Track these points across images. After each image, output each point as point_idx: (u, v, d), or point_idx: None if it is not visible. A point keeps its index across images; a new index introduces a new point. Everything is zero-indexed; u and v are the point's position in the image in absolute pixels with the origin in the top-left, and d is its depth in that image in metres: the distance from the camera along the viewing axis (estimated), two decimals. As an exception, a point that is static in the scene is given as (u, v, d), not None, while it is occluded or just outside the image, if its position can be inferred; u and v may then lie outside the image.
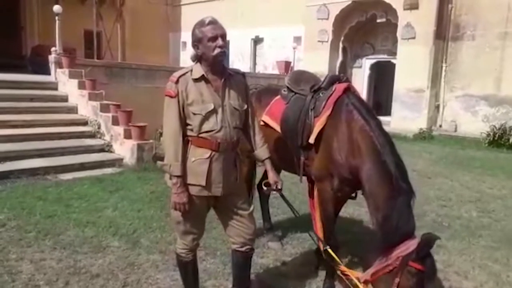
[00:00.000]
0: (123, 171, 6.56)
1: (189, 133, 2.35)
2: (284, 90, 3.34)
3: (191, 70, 2.35)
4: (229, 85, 2.41)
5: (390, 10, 12.40)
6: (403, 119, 12.18)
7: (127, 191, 5.44)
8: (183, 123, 2.33)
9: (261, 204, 4.21)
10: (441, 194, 6.07)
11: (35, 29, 15.48)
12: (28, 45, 15.02)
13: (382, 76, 14.32)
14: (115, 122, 7.45)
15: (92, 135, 7.65)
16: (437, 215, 5.07)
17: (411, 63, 11.89)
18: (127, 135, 7.14)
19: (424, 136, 11.50)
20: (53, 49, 8.93)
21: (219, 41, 2.27)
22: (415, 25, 11.75)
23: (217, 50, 2.27)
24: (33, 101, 7.96)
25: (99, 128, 7.71)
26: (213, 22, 2.31)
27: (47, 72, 9.13)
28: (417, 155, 9.14)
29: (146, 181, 5.87)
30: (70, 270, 3.24)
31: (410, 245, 2.23)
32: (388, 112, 13.15)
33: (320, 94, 2.95)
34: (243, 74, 2.57)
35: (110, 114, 7.57)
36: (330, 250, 2.70)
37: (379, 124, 2.66)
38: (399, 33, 12.18)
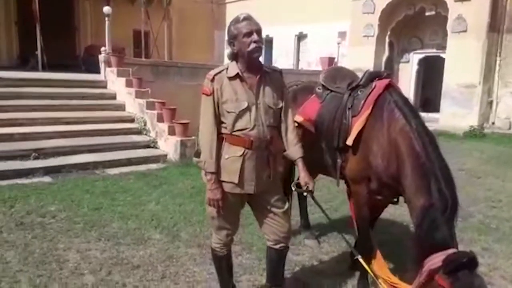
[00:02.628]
0: (167, 167, 6.76)
1: (223, 130, 2.39)
2: (319, 88, 3.20)
3: (227, 68, 2.38)
4: (265, 83, 2.41)
5: (440, 2, 11.89)
6: (452, 116, 11.66)
7: (169, 186, 5.61)
8: (218, 121, 2.37)
9: (299, 202, 4.20)
10: (490, 195, 5.77)
11: (88, 30, 16.28)
12: (81, 45, 15.85)
13: (431, 71, 13.78)
14: (160, 119, 7.69)
15: (138, 132, 7.94)
16: (484, 216, 4.83)
17: (462, 57, 11.33)
18: (171, 132, 7.35)
19: (475, 134, 10.94)
20: (102, 49, 9.33)
21: (254, 36, 2.28)
22: (467, 17, 11.18)
23: (252, 45, 2.28)
24: (84, 99, 8.38)
25: (145, 125, 7.99)
26: (248, 18, 2.33)
27: (98, 71, 9.56)
28: (467, 154, 8.73)
29: (188, 176, 6.02)
30: (113, 261, 3.40)
31: (440, 258, 2.03)
32: (437, 109, 12.65)
33: (359, 92, 2.80)
34: (280, 72, 2.56)
35: (155, 112, 7.82)
36: (361, 260, 2.55)
37: (422, 124, 2.49)
38: (449, 26, 11.64)
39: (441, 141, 8.99)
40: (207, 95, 2.34)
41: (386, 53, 13.99)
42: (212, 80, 2.33)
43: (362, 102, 2.71)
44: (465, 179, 6.59)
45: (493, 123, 11.75)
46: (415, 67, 13.99)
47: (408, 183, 2.39)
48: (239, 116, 2.33)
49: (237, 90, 2.34)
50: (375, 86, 2.69)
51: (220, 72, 2.36)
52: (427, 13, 12.64)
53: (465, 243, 3.98)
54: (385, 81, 2.69)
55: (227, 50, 2.45)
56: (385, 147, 2.56)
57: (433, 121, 12.27)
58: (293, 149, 2.54)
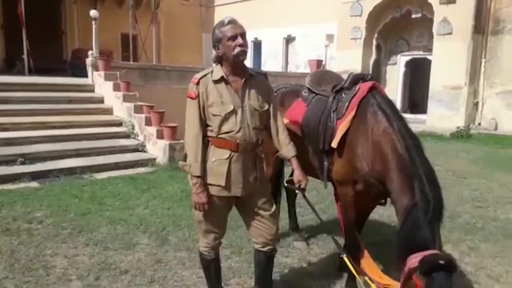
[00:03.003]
0: (156, 170, 6.74)
1: (209, 133, 2.39)
2: (304, 92, 3.22)
3: (212, 72, 2.39)
4: (250, 86, 2.42)
5: (425, 5, 12.04)
6: (439, 117, 11.80)
7: (158, 190, 5.59)
8: (204, 124, 2.38)
9: (288, 204, 4.21)
10: (477, 195, 5.85)
11: (75, 33, 16.13)
12: (68, 49, 15.71)
13: (418, 73, 13.92)
14: (148, 122, 7.66)
15: (126, 136, 7.89)
16: (471, 216, 4.90)
17: (448, 59, 11.48)
18: (160, 135, 7.33)
19: (461, 135, 11.09)
20: (90, 52, 9.27)
21: (239, 40, 2.29)
22: (452, 20, 11.34)
23: (237, 49, 2.29)
24: (71, 103, 8.32)
25: (133, 128, 7.95)
26: (232, 21, 2.34)
27: (85, 74, 9.49)
28: (454, 155, 8.85)
29: (177, 180, 6.00)
30: (101, 266, 3.37)
31: (418, 259, 2.03)
32: (424, 110, 12.79)
33: (343, 95, 2.82)
34: (265, 74, 2.58)
35: (143, 115, 7.79)
36: (346, 259, 2.56)
37: (405, 125, 2.50)
38: (435, 29, 11.80)
39: (428, 142, 9.11)
40: (192, 98, 2.35)
41: (374, 56, 14.11)
42: (197, 83, 2.34)
43: (346, 104, 2.72)
44: (452, 180, 6.68)
45: (479, 124, 11.92)
46: (402, 69, 14.13)
47: (393, 185, 2.40)
48: (225, 119, 2.34)
49: (223, 93, 2.35)
50: (359, 89, 2.71)
51: (205, 75, 2.37)
52: (413, 16, 12.79)
53: (452, 242, 4.04)
54: (368, 84, 2.71)
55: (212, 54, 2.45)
56: (369, 149, 2.58)
57: (421, 122, 12.41)
58: (286, 149, 2.57)
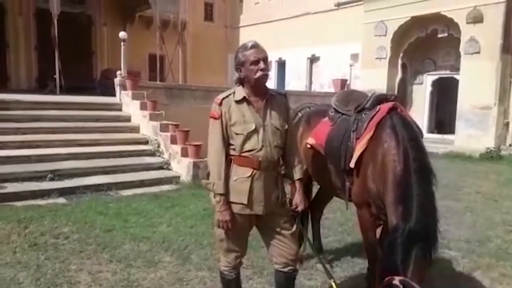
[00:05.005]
0: (179, 188, 6.80)
1: (232, 152, 2.42)
2: (331, 111, 3.23)
3: (234, 93, 2.43)
4: (271, 106, 2.46)
5: (452, 24, 11.90)
6: (468, 137, 11.50)
7: (181, 208, 5.63)
8: (227, 143, 2.41)
9: (312, 225, 4.15)
10: (508, 219, 5.62)
11: (104, 54, 16.73)
12: (98, 69, 16.27)
13: (445, 92, 13.69)
14: (173, 141, 7.78)
15: (152, 154, 8.02)
16: (502, 241, 4.70)
17: (476, 78, 11.26)
18: (184, 154, 7.42)
19: (491, 156, 10.74)
20: (118, 72, 9.55)
21: (261, 64, 2.35)
22: (480, 39, 11.16)
23: (259, 73, 2.35)
24: (99, 121, 8.55)
25: (158, 146, 8.08)
26: (255, 46, 2.39)
27: (113, 94, 9.76)
28: (483, 176, 8.58)
29: (200, 198, 6.03)
30: (123, 283, 3.39)
31: (386, 282, 2.00)
32: (452, 130, 12.50)
33: (363, 115, 2.81)
34: (285, 95, 2.62)
35: (169, 134, 7.92)
36: (333, 285, 2.48)
37: (416, 147, 2.44)
38: (462, 48, 11.63)
39: (456, 163, 8.89)
40: (215, 118, 2.39)
41: (399, 75, 13.98)
42: (220, 104, 2.39)
43: (365, 125, 2.71)
44: (482, 203, 6.47)
45: (510, 145, 11.54)
46: (428, 88, 13.93)
47: (388, 207, 2.38)
48: (247, 137, 2.38)
49: (245, 113, 2.39)
50: (379, 109, 2.70)
51: (227, 96, 2.42)
52: (439, 35, 12.66)
53: (482, 268, 3.89)
54: (389, 105, 2.69)
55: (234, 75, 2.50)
56: (377, 171, 2.56)
57: (448, 142, 12.14)
58: (293, 170, 2.58)
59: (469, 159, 10.62)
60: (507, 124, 11.56)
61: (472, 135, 11.43)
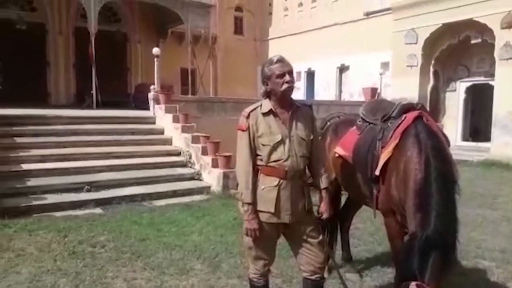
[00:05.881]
0: (210, 198, 6.93)
1: (259, 162, 2.51)
2: (359, 121, 3.28)
3: (261, 105, 2.53)
4: (296, 117, 2.54)
5: (485, 30, 11.64)
6: (504, 145, 11.13)
7: (212, 217, 5.74)
8: (254, 154, 2.51)
9: (341, 234, 4.16)
10: (547, 229, 5.43)
11: (139, 69, 17.30)
12: (132, 84, 16.80)
13: (480, 99, 13.33)
14: (204, 152, 7.95)
15: (183, 165, 8.22)
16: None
17: (511, 84, 10.93)
18: (215, 164, 7.57)
19: (529, 164, 10.37)
20: (152, 87, 9.88)
21: (287, 77, 2.45)
22: (515, 44, 10.87)
23: (285, 86, 2.45)
24: (134, 134, 8.85)
25: (190, 158, 8.27)
26: (281, 60, 2.49)
27: (147, 107, 10.09)
28: (522, 185, 8.28)
29: (230, 207, 6.13)
30: (157, 290, 3.52)
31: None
32: (487, 138, 12.13)
33: (389, 124, 2.83)
34: (310, 106, 2.69)
35: (200, 145, 8.11)
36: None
37: (438, 156, 2.44)
38: (496, 54, 11.34)
39: (493, 171, 8.66)
40: (242, 130, 2.50)
41: (431, 83, 13.76)
42: (248, 116, 2.49)
43: (391, 133, 2.74)
44: (521, 213, 6.26)
45: (549, 152, 11.09)
46: (462, 95, 13.61)
47: (407, 215, 2.40)
48: (274, 148, 2.46)
49: (271, 125, 2.47)
50: (404, 118, 2.72)
51: (254, 109, 2.52)
52: (472, 41, 12.40)
53: (518, 279, 3.78)
54: (415, 113, 2.71)
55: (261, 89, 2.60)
56: (400, 179, 2.58)
57: (484, 150, 11.80)
58: (319, 180, 2.64)
59: (505, 167, 10.26)
60: (546, 131, 11.12)
61: (508, 142, 11.05)
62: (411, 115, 2.70)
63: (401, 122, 2.71)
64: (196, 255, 4.32)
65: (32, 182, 6.47)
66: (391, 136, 2.71)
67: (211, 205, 6.46)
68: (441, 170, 2.40)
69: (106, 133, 8.56)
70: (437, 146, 2.51)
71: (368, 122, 3.19)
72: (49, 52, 15.63)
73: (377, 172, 2.74)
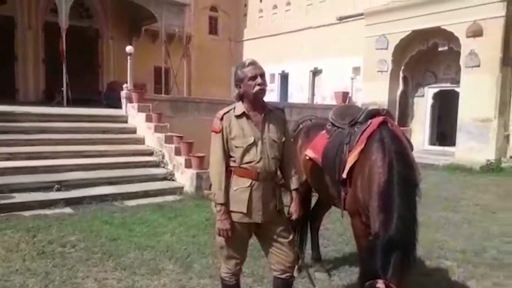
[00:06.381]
0: (183, 199, 6.95)
1: (232, 164, 2.58)
2: (328, 125, 3.38)
3: (234, 108, 2.60)
4: (269, 120, 2.62)
5: (452, 38, 12.08)
6: (469, 150, 11.59)
7: (184, 218, 5.76)
8: (227, 156, 2.57)
9: (311, 234, 4.27)
10: (506, 230, 5.69)
11: (111, 67, 17.04)
12: (104, 82, 16.55)
13: (447, 105, 13.82)
14: (178, 152, 7.94)
15: (156, 165, 8.19)
16: (498, 251, 4.78)
17: (476, 91, 11.40)
18: (188, 165, 7.58)
19: (492, 168, 10.82)
20: (124, 85, 9.77)
21: (259, 79, 2.52)
22: (480, 52, 11.32)
23: (256, 88, 2.52)
24: (105, 133, 8.74)
25: (163, 158, 8.25)
26: (253, 63, 2.56)
27: (119, 106, 9.98)
28: (483, 189, 8.65)
29: (203, 208, 6.16)
30: (128, 290, 3.53)
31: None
32: (453, 143, 12.58)
33: (355, 128, 2.95)
34: (283, 109, 2.78)
35: (173, 145, 8.10)
36: None
37: (401, 160, 2.56)
38: (462, 61, 11.79)
39: (457, 175, 8.97)
40: (216, 132, 2.56)
41: (401, 88, 14.13)
42: (221, 119, 2.56)
43: (357, 137, 2.85)
44: (481, 214, 6.56)
45: (510, 157, 11.61)
46: (430, 101, 14.06)
47: (371, 216, 2.52)
48: (246, 150, 2.53)
49: (244, 127, 2.54)
50: (370, 123, 2.84)
51: (228, 111, 2.58)
52: (440, 49, 12.84)
53: (476, 278, 3.99)
54: (380, 119, 2.83)
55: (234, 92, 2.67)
56: (365, 182, 2.69)
57: (450, 154, 12.24)
58: (290, 181, 2.74)
59: (469, 171, 10.70)
60: (507, 137, 11.66)
61: (473, 147, 11.52)
62: (377, 121, 2.82)
63: (367, 127, 2.82)
64: (168, 255, 4.34)
65: (0, 180, 6.31)
66: (358, 140, 2.82)
67: (183, 205, 6.47)
68: (403, 174, 2.52)
69: (76, 132, 8.43)
70: (400, 150, 2.63)
71: (336, 126, 3.30)
72: (17, 47, 15.19)
73: (344, 175, 2.84)
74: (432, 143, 14.09)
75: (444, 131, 14.34)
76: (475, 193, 8.12)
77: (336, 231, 5.33)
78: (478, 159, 11.08)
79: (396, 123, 3.03)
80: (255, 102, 2.57)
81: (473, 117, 11.59)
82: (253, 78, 2.51)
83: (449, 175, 10.35)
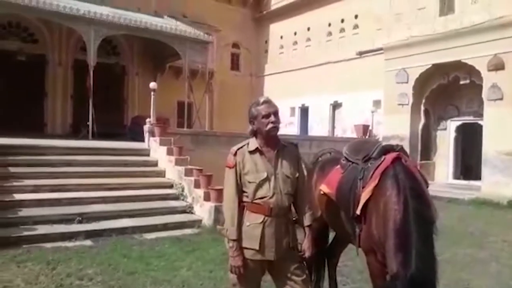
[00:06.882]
0: (201, 232, 6.94)
1: (245, 199, 2.60)
2: (343, 160, 3.35)
3: (248, 144, 2.64)
4: (282, 155, 2.64)
5: (473, 72, 12.02)
6: (495, 184, 11.26)
7: (202, 252, 5.75)
8: (240, 191, 2.59)
9: (328, 271, 4.18)
10: (535, 269, 5.47)
11: (136, 102, 17.54)
12: (129, 116, 17.00)
13: (470, 138, 13.59)
14: (197, 185, 8.01)
15: (176, 197, 8.26)
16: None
17: (499, 124, 11.22)
18: (207, 198, 7.62)
19: (520, 203, 10.47)
20: (147, 120, 10.04)
21: (272, 118, 2.57)
22: (502, 85, 11.20)
23: (270, 126, 2.56)
24: (128, 166, 8.92)
25: (182, 190, 8.32)
26: (267, 101, 2.63)
27: (143, 139, 10.21)
28: (511, 224, 8.35)
29: (220, 242, 6.09)
30: (143, 325, 3.51)
31: None
32: (478, 176, 12.28)
33: (369, 164, 2.92)
34: (296, 145, 2.80)
35: (193, 178, 8.18)
36: None
37: (415, 197, 2.52)
38: (484, 95, 11.67)
39: (483, 210, 8.72)
40: (230, 167, 2.60)
41: (422, 121, 14.02)
42: (235, 154, 2.60)
43: (371, 173, 2.82)
44: (509, 251, 6.32)
45: (539, 192, 11.22)
46: (453, 134, 13.87)
47: (387, 254, 2.46)
48: (259, 185, 2.55)
49: (257, 162, 2.58)
50: (384, 159, 2.82)
51: (241, 147, 2.63)
52: (461, 82, 12.77)
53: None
54: (393, 155, 2.80)
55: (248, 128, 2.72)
56: (380, 219, 2.64)
57: (475, 189, 11.91)
58: (304, 217, 2.72)
59: (496, 206, 10.36)
60: (535, 171, 11.30)
61: (499, 181, 11.19)
62: (390, 157, 2.79)
63: (381, 163, 2.79)
64: (184, 290, 4.32)
65: (24, 212, 6.49)
66: (371, 176, 2.79)
67: (201, 239, 6.46)
68: (420, 211, 2.47)
69: (100, 164, 8.62)
70: (415, 187, 2.60)
71: (351, 161, 3.26)
72: (47, 83, 15.89)
73: (358, 211, 2.81)
74: (456, 177, 13.77)
75: (468, 164, 14.02)
76: (503, 229, 7.83)
77: (356, 268, 5.18)
78: (505, 193, 10.74)
79: (411, 158, 3.00)
80: (268, 138, 2.61)
81: (497, 150, 11.33)
82: (267, 116, 2.56)
83: (475, 210, 10.04)
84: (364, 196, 2.75)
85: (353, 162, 3.23)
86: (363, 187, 2.83)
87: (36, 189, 7.23)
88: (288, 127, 18.85)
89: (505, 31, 11.11)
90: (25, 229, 6.04)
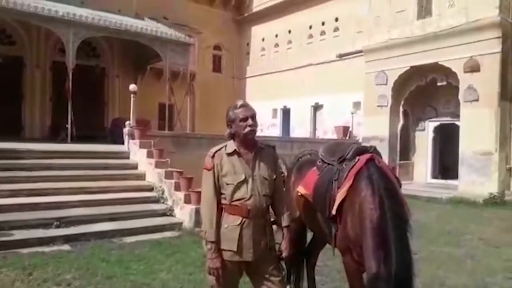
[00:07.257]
0: (181, 235, 6.90)
1: (223, 201, 2.61)
2: (319, 161, 3.40)
3: (226, 146, 2.66)
4: (260, 158, 2.68)
5: (450, 74, 12.30)
6: (471, 183, 11.55)
7: (182, 254, 5.72)
8: (218, 193, 2.61)
9: (307, 271, 4.23)
10: (509, 266, 5.61)
11: (116, 104, 17.37)
12: (109, 118, 16.80)
13: (448, 138, 13.89)
14: (177, 188, 7.97)
15: (156, 200, 8.20)
16: (500, 288, 4.72)
17: (476, 125, 11.51)
18: (187, 200, 7.59)
19: (495, 202, 10.73)
20: (127, 122, 9.94)
21: (249, 121, 2.60)
22: (478, 87, 11.50)
23: (247, 129, 2.60)
24: (107, 169, 8.81)
25: (163, 193, 8.26)
26: (244, 105, 2.66)
27: (123, 142, 10.09)
28: (486, 222, 8.57)
29: (200, 245, 5.98)
30: (121, 329, 3.48)
31: None
32: (456, 176, 12.56)
33: (344, 165, 2.97)
34: (274, 147, 2.83)
35: (173, 181, 8.13)
36: None
37: (391, 196, 2.59)
38: (461, 96, 11.96)
39: (460, 209, 8.91)
40: (208, 169, 2.61)
41: (401, 122, 14.28)
42: (213, 156, 2.62)
43: (345, 174, 2.87)
44: (484, 249, 6.47)
45: (514, 190, 11.56)
46: (431, 134, 14.18)
47: (365, 253, 2.50)
48: (237, 187, 2.57)
49: (235, 164, 2.60)
50: (358, 160, 2.87)
51: (219, 149, 2.65)
52: (438, 84, 13.05)
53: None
54: (367, 156, 2.87)
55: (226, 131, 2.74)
56: (355, 219, 2.69)
57: (453, 188, 12.18)
58: (281, 218, 2.75)
59: (473, 204, 10.61)
60: (510, 170, 11.63)
61: (475, 180, 11.48)
62: (364, 158, 2.85)
63: (355, 164, 2.85)
64: (163, 293, 4.30)
65: (0, 217, 6.34)
66: (346, 177, 2.84)
67: (182, 242, 6.43)
68: (395, 210, 2.54)
69: (79, 168, 8.50)
70: (389, 187, 2.66)
71: (326, 163, 3.31)
72: (25, 85, 15.59)
73: (333, 212, 2.85)
74: (434, 176, 14.06)
75: (446, 164, 14.31)
76: (479, 227, 8.03)
77: (335, 268, 5.22)
78: (481, 192, 11.02)
79: (391, 159, 3.07)
80: (246, 141, 2.64)
81: (474, 150, 11.62)
82: (244, 119, 2.59)
83: (452, 209, 10.27)
84: (339, 197, 2.79)
85: (328, 164, 3.28)
86: (338, 188, 2.88)
87: (14, 193, 7.07)
88: (271, 129, 18.95)
89: (481, 34, 11.41)
90: (2, 235, 5.89)
